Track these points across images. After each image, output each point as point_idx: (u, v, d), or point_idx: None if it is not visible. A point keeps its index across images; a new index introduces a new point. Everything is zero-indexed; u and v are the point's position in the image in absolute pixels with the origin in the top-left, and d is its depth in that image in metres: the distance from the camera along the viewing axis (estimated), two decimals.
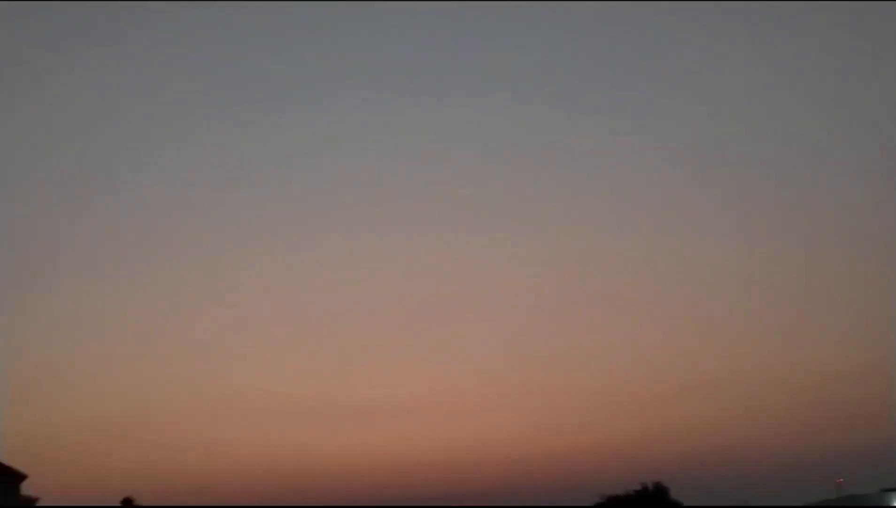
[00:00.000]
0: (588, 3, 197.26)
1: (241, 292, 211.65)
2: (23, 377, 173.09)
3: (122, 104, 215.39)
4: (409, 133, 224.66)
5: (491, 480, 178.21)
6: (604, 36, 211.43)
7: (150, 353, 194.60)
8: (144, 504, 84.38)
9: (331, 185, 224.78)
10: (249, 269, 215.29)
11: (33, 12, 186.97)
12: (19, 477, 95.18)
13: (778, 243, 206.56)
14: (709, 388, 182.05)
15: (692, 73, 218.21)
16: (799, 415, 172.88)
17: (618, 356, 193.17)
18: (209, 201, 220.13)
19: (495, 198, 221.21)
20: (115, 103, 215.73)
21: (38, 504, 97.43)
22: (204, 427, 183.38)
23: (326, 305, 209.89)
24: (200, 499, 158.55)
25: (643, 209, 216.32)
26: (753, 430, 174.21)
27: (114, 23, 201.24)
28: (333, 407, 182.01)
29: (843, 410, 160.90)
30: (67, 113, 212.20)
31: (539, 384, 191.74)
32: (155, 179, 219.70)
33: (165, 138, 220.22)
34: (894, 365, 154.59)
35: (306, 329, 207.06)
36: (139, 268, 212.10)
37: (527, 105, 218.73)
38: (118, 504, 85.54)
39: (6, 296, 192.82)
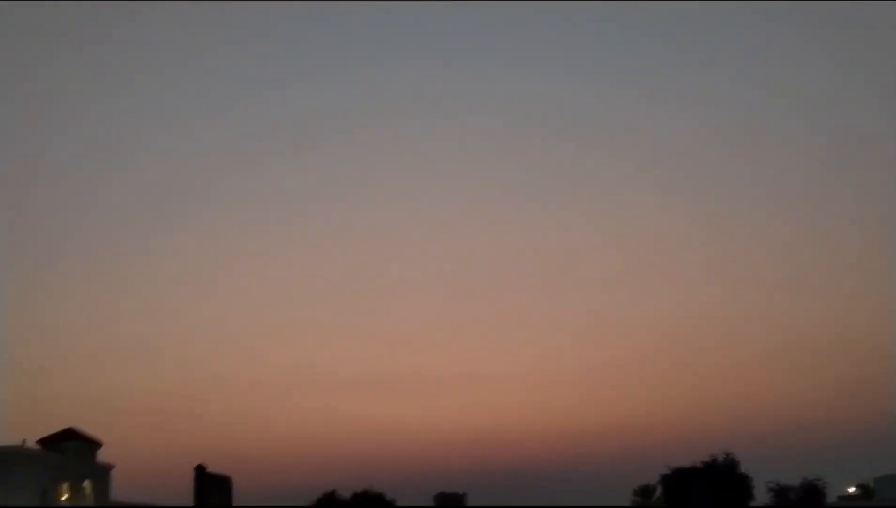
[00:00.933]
0: None
1: (296, 267, 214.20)
2: (99, 348, 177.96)
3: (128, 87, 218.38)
4: (476, 102, 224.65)
5: (554, 450, 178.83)
6: (662, 18, 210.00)
7: (219, 328, 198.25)
8: (215, 471, 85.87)
9: (390, 150, 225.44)
10: (310, 246, 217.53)
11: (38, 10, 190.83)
12: (96, 445, 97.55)
13: (840, 220, 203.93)
14: (774, 358, 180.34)
15: (744, 54, 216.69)
16: (869, 385, 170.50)
17: (685, 330, 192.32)
18: (239, 175, 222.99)
19: (563, 173, 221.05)
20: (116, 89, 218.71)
21: (113, 471, 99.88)
22: (269, 398, 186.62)
23: (388, 278, 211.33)
24: (269, 467, 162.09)
25: (711, 190, 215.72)
26: (823, 401, 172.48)
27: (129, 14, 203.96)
28: (392, 379, 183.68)
29: None
30: (65, 102, 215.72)
31: (602, 357, 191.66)
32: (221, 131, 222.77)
33: (181, 115, 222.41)
34: None
35: (359, 302, 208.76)
36: (238, 250, 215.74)
37: (609, 85, 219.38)
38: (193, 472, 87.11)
39: (83, 268, 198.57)
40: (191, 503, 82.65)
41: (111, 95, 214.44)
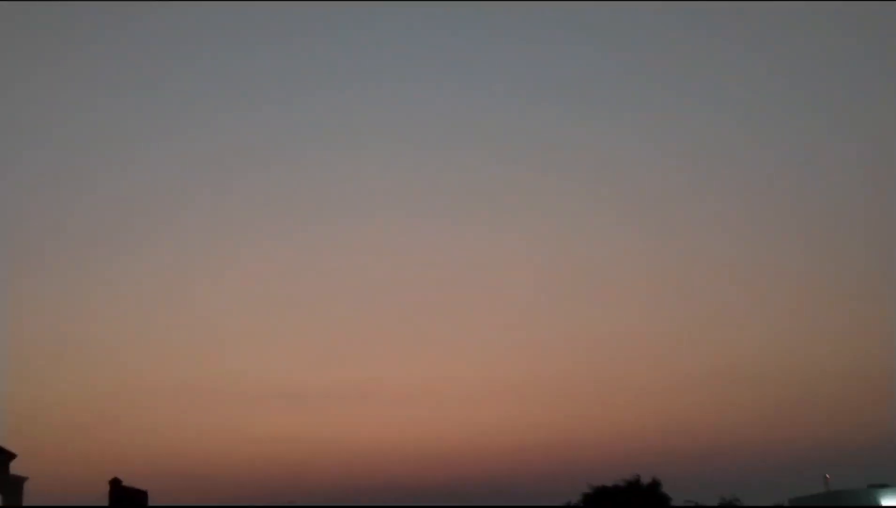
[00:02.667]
0: (599, 4, 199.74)
1: (234, 277, 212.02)
2: (14, 356, 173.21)
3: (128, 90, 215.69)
4: (412, 124, 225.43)
5: (482, 468, 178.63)
6: (613, 36, 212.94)
7: (141, 335, 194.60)
8: (132, 485, 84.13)
9: (329, 173, 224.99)
10: (244, 254, 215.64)
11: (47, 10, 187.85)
12: (8, 456, 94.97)
13: (776, 242, 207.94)
14: (701, 382, 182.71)
15: (697, 75, 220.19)
16: (790, 411, 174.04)
17: (614, 348, 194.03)
18: (205, 187, 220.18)
19: (501, 190, 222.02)
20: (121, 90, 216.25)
21: (26, 483, 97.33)
22: (192, 410, 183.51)
23: (324, 290, 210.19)
24: (187, 482, 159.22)
25: (645, 205, 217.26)
26: (744, 424, 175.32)
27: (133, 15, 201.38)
28: (325, 393, 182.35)
29: (833, 407, 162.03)
30: (60, 102, 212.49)
31: (535, 374, 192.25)
32: (155, 164, 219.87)
33: (167, 125, 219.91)
34: (886, 364, 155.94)
35: (300, 314, 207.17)
36: (135, 250, 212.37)
37: (534, 103, 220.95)
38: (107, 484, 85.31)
39: (1, 275, 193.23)
40: None
41: (106, 97, 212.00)
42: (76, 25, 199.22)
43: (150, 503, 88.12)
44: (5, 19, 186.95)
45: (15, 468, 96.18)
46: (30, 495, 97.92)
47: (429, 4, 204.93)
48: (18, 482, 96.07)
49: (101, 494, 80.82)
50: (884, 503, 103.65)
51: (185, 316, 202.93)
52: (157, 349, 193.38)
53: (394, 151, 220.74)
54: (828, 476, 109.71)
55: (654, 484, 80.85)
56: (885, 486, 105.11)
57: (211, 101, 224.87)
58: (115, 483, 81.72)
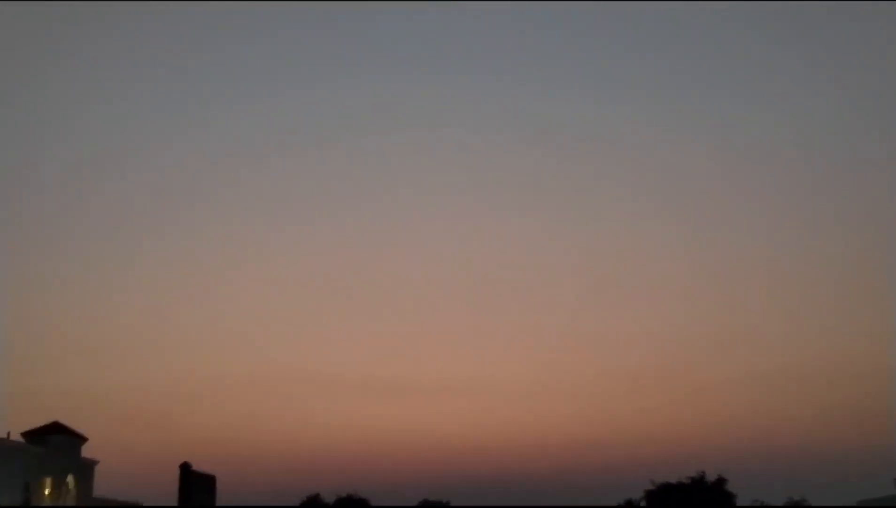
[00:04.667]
0: None
1: (296, 269, 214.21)
2: (88, 342, 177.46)
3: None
4: (456, 113, 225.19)
5: (544, 464, 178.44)
6: (644, 28, 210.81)
7: (212, 327, 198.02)
8: (201, 469, 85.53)
9: (397, 159, 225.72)
10: (304, 245, 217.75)
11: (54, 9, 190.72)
12: (81, 440, 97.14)
13: (821, 240, 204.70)
14: (770, 379, 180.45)
15: (744, 77, 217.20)
16: (861, 411, 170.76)
17: (679, 344, 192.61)
18: (256, 168, 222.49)
19: (553, 186, 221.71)
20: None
21: (97, 467, 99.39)
22: (259, 398, 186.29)
23: (381, 284, 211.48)
24: (254, 467, 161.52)
25: (694, 208, 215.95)
26: (814, 423, 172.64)
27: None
28: (380, 385, 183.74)
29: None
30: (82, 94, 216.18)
31: (593, 370, 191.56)
32: (199, 143, 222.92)
33: (184, 117, 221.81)
34: None
35: (357, 307, 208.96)
36: (195, 240, 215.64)
37: (596, 99, 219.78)
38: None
39: (78, 263, 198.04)
40: (175, 501, 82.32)
41: (115, 94, 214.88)
42: (101, 19, 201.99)
43: (218, 487, 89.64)
44: (28, 15, 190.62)
45: (86, 452, 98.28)
46: (100, 478, 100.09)
47: None
48: (89, 465, 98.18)
49: (171, 478, 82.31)
50: None
51: (250, 308, 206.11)
52: (227, 341, 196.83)
53: (439, 140, 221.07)
54: None
55: (720, 482, 79.81)
56: None
57: (262, 78, 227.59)
58: (185, 468, 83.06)
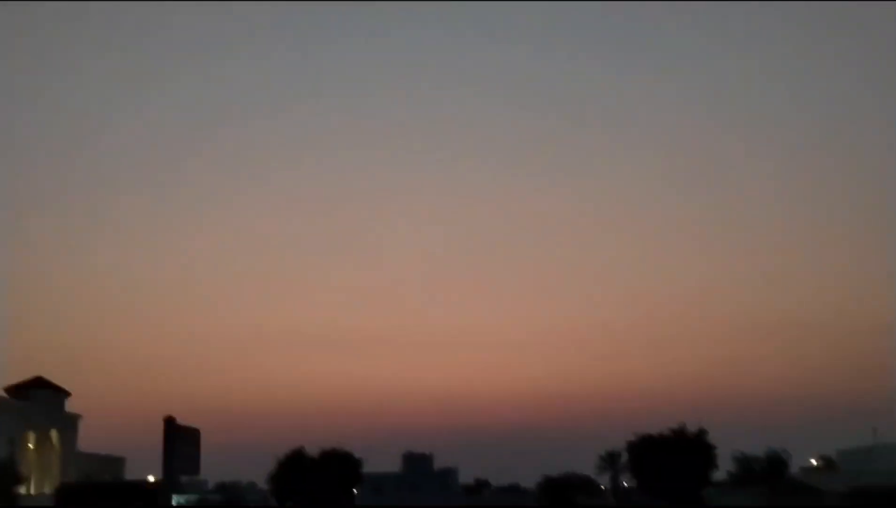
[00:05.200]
0: None
1: (276, 230, 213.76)
2: (71, 300, 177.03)
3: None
4: (470, 81, 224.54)
5: (524, 414, 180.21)
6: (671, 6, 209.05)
7: (192, 284, 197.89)
8: (185, 423, 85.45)
9: (378, 118, 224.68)
10: (285, 206, 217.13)
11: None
12: (64, 394, 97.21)
13: (828, 198, 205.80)
14: (750, 333, 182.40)
15: (753, 45, 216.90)
16: (839, 363, 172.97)
17: (664, 300, 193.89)
18: (229, 127, 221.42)
19: (560, 149, 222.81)
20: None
21: (81, 421, 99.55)
22: (240, 354, 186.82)
23: (364, 239, 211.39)
24: (237, 421, 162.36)
25: (700, 163, 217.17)
26: (793, 375, 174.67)
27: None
28: (365, 338, 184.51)
29: (884, 360, 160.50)
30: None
31: (577, 323, 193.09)
32: (191, 96, 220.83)
33: (158, 78, 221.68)
34: None
35: (343, 263, 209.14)
36: (190, 204, 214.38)
37: (616, 70, 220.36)
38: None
39: (60, 222, 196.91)
40: (160, 454, 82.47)
41: (99, 59, 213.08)
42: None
43: (202, 440, 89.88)
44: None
45: (70, 406, 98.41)
46: (84, 432, 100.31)
47: None
48: (73, 419, 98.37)
49: (156, 432, 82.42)
50: None
51: (237, 266, 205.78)
52: (208, 298, 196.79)
53: (446, 105, 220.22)
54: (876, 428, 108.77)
55: (700, 433, 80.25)
56: None
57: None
58: (170, 421, 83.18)
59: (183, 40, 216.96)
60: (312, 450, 78.24)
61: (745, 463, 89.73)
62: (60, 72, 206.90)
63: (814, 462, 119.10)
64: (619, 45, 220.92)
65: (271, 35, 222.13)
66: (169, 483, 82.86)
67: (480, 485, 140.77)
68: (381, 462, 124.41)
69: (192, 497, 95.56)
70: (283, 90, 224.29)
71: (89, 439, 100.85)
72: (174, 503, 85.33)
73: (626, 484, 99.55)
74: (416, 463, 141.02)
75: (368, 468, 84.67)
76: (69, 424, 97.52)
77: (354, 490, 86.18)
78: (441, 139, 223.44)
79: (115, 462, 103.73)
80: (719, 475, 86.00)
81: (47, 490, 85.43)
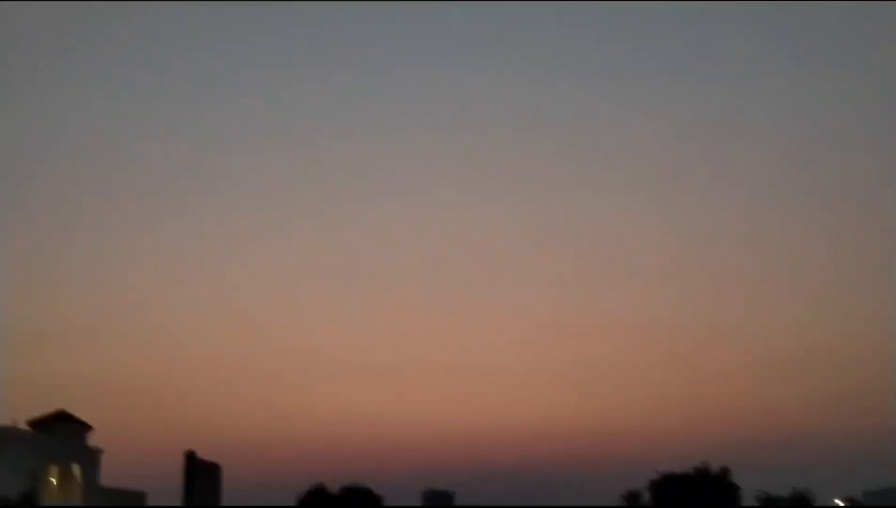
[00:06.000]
0: None
1: (300, 261, 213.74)
2: (93, 330, 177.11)
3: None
4: (447, 107, 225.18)
5: (545, 451, 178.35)
6: (629, 18, 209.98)
7: (214, 315, 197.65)
8: (205, 458, 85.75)
9: (389, 150, 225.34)
10: (308, 237, 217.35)
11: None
12: (86, 428, 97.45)
13: (840, 228, 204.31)
14: (774, 369, 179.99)
15: (733, 65, 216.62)
16: (865, 401, 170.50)
17: (679, 333, 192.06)
18: (261, 159, 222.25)
19: (548, 173, 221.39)
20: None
21: (102, 456, 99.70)
22: (261, 387, 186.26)
23: (383, 270, 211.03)
24: (259, 454, 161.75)
25: (693, 200, 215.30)
26: (813, 412, 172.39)
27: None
28: (386, 371, 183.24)
29: None
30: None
31: (599, 359, 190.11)
32: (206, 133, 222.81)
33: (190, 103, 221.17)
34: None
35: (362, 293, 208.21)
36: (210, 240, 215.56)
37: (583, 90, 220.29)
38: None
39: (83, 250, 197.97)
40: (180, 489, 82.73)
41: (125, 79, 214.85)
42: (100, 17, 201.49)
43: (223, 476, 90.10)
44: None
45: (92, 440, 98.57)
46: (106, 466, 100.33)
47: None
48: (95, 453, 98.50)
49: (176, 467, 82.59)
50: None
51: (256, 296, 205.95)
52: (229, 329, 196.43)
53: (433, 135, 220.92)
54: None
55: (724, 472, 79.82)
56: None
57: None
58: (190, 456, 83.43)
59: (231, 65, 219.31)
60: (333, 486, 78.27)
61: (770, 503, 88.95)
62: (89, 86, 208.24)
63: (839, 502, 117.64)
64: (612, 67, 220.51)
65: (326, 63, 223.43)
66: None
67: None
68: (401, 497, 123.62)
69: None
70: (319, 122, 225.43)
71: (110, 472, 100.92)
72: None
73: None
74: (437, 500, 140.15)
75: (388, 503, 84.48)
76: (91, 458, 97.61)
77: None
78: (457, 178, 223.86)
79: (136, 497, 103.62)
80: None
81: None
